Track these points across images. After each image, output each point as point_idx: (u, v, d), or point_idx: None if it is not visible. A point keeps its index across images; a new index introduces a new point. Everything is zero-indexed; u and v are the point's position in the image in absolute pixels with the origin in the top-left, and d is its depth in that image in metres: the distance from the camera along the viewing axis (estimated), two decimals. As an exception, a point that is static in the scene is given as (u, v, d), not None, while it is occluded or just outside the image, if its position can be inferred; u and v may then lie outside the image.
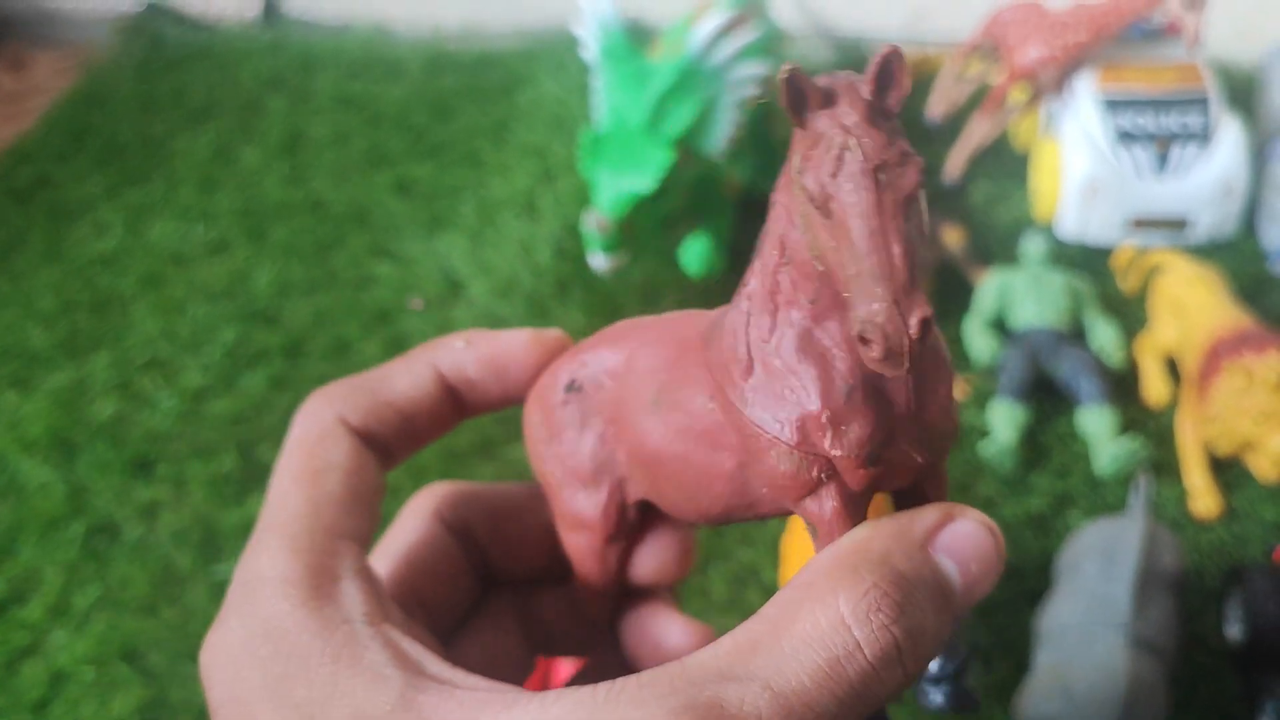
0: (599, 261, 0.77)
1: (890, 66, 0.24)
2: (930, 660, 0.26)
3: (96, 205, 1.02)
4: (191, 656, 0.66)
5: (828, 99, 0.24)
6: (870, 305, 0.23)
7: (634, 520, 0.33)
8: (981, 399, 0.76)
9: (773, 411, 0.27)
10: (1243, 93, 0.94)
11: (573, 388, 0.32)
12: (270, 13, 1.27)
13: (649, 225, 0.78)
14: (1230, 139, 0.85)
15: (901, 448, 0.27)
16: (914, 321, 0.23)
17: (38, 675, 0.66)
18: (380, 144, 1.06)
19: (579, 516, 0.33)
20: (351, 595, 0.29)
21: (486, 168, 1.01)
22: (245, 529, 0.72)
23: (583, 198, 0.90)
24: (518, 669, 0.37)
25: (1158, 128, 0.85)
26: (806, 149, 0.24)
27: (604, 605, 0.35)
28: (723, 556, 0.68)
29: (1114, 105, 0.86)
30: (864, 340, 0.23)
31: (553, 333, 0.34)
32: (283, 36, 1.22)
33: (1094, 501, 0.70)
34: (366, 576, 0.30)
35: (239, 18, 1.26)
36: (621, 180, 0.75)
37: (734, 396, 0.27)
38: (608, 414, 0.31)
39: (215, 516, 0.73)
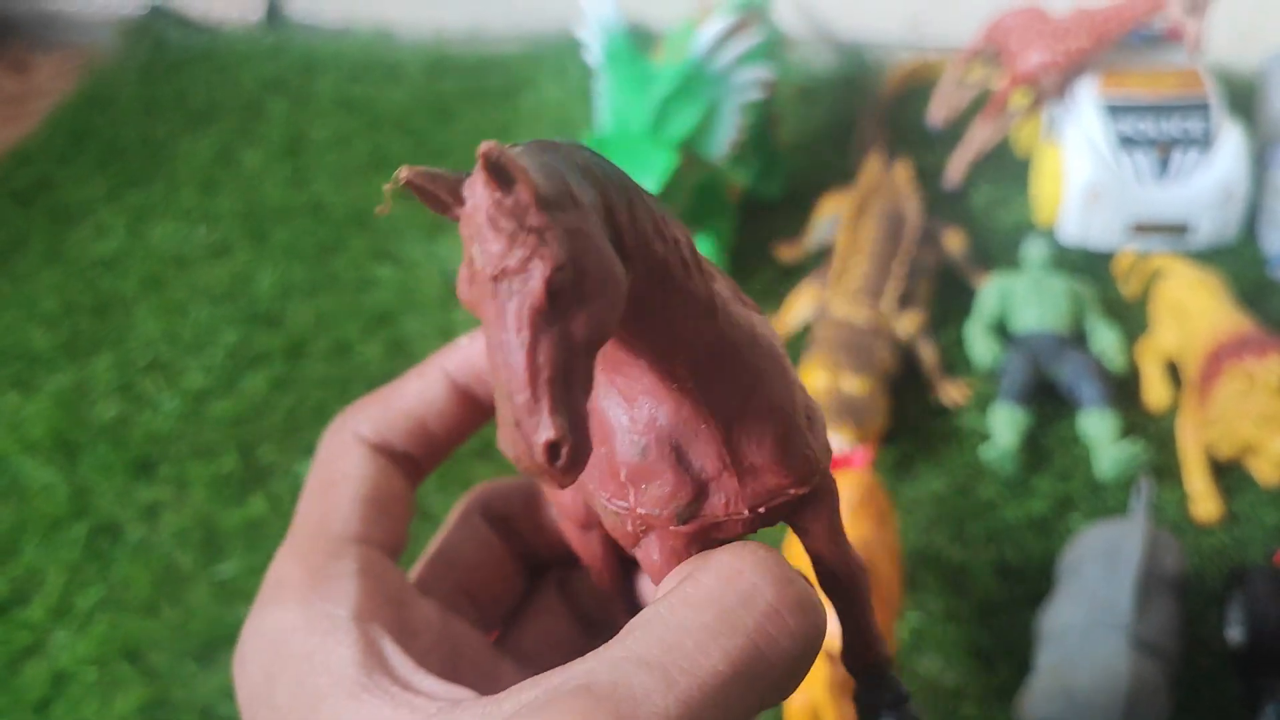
0: (601, 264, 0.77)
1: (500, 164, 0.20)
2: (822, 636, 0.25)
3: (98, 207, 1.02)
4: (193, 656, 0.66)
5: (459, 197, 0.21)
6: (500, 429, 0.21)
7: None
8: (983, 403, 0.76)
9: (591, 468, 0.26)
10: (1243, 98, 0.94)
11: None
12: (272, 16, 1.27)
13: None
14: (1231, 144, 0.85)
15: (720, 503, 0.26)
16: (538, 445, 0.20)
17: (40, 675, 0.66)
18: (382, 147, 1.06)
19: (560, 506, 0.34)
20: (345, 593, 0.29)
21: (488, 171, 1.01)
22: (246, 529, 0.72)
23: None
24: (572, 650, 0.37)
25: (1159, 133, 0.85)
26: None
27: (606, 581, 0.35)
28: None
29: (1115, 110, 0.86)
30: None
31: None
32: (285, 39, 1.22)
33: (1095, 505, 0.70)
34: (372, 575, 0.30)
35: (241, 21, 1.26)
36: (624, 183, 0.75)
37: None
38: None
39: (216, 517, 0.73)
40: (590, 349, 0.21)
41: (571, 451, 0.20)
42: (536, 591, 0.37)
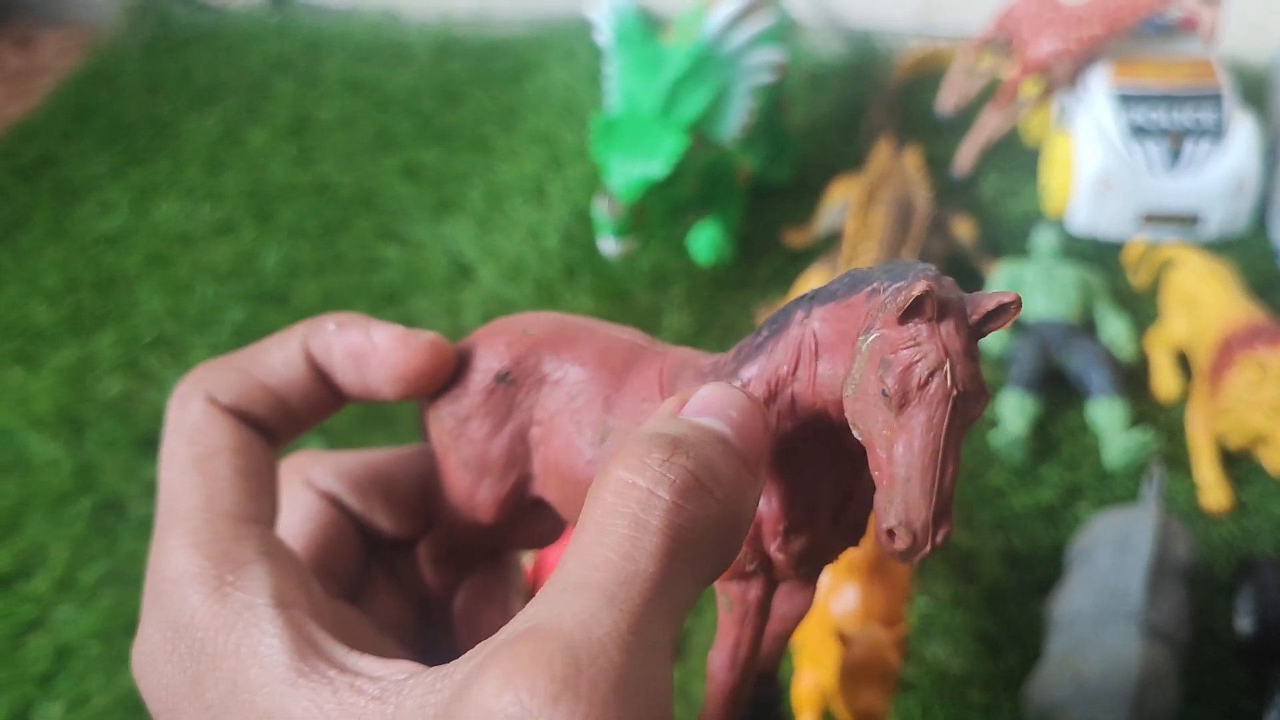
0: (609, 246, 0.77)
1: (1008, 312, 0.25)
2: (741, 499, 0.26)
3: (102, 184, 1.02)
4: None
5: (942, 311, 0.25)
6: (909, 513, 0.25)
7: (524, 508, 0.33)
8: (991, 390, 0.75)
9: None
10: (1256, 90, 0.94)
11: (506, 379, 0.32)
12: (279, -5, 1.26)
13: (660, 211, 0.78)
14: (1243, 135, 0.84)
15: (831, 553, 0.30)
16: (940, 536, 0.25)
17: (43, 649, 0.65)
18: (388, 128, 1.05)
19: (471, 500, 0.33)
20: (259, 580, 0.28)
21: (495, 153, 1.01)
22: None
23: (591, 185, 0.90)
24: (406, 626, 0.37)
25: (1171, 123, 0.85)
26: (897, 345, 0.25)
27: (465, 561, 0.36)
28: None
29: (1127, 100, 0.86)
30: (891, 535, 0.25)
31: (424, 335, 0.33)
32: (291, 19, 1.22)
33: (1103, 493, 0.70)
34: (277, 558, 0.29)
35: (247, 1, 1.25)
36: (634, 165, 0.75)
37: None
38: (538, 417, 0.31)
39: (222, 495, 0.73)
40: None
41: (946, 537, 0.25)
42: (369, 571, 0.36)
